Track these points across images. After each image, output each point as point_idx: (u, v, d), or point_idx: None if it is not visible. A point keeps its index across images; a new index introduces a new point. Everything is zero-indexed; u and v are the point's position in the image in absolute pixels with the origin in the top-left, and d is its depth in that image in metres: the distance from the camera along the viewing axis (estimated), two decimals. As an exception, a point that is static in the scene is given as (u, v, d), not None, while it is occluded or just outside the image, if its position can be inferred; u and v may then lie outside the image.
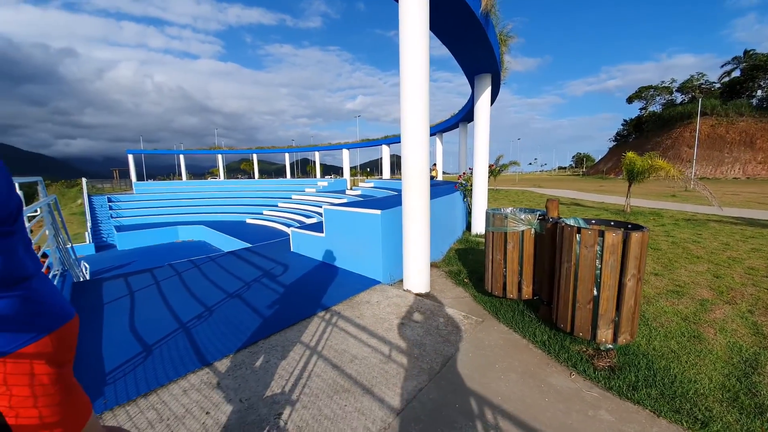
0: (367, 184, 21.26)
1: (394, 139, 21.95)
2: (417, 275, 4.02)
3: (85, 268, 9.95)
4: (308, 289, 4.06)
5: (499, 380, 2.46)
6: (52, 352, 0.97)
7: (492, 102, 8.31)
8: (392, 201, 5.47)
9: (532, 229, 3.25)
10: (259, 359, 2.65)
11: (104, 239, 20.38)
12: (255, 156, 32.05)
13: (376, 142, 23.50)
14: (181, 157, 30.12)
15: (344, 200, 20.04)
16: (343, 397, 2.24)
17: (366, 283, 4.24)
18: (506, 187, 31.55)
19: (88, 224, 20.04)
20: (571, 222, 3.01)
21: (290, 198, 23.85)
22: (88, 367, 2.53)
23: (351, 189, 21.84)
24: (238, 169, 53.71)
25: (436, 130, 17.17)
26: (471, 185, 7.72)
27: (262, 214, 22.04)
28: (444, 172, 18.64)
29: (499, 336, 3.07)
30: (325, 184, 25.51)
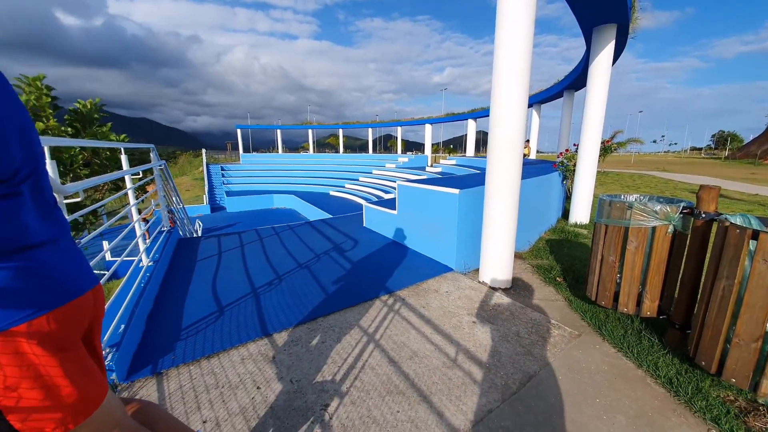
0: (448, 162, 20.27)
1: (482, 113, 20.21)
2: (497, 266, 3.45)
3: (199, 225, 11.74)
4: (374, 269, 3.86)
5: (600, 421, 1.87)
6: (49, 332, 0.85)
7: (613, 62, 6.69)
8: (474, 180, 4.84)
9: (670, 226, 2.37)
10: (316, 338, 2.53)
11: (218, 202, 23.89)
12: (341, 131, 33.36)
13: (462, 117, 22.02)
14: (278, 132, 33.06)
15: (423, 177, 19.54)
16: (397, 401, 1.96)
17: (436, 269, 3.84)
18: (617, 169, 26.73)
19: (206, 188, 23.69)
20: (739, 221, 2.07)
21: (371, 173, 24.33)
22: (171, 321, 2.74)
23: (431, 166, 21.13)
24: (326, 144, 57.12)
25: (533, 100, 15.11)
26: (574, 165, 6.48)
27: (344, 187, 23.01)
28: (538, 151, 16.48)
29: (602, 359, 2.39)
30: (406, 160, 25.22)
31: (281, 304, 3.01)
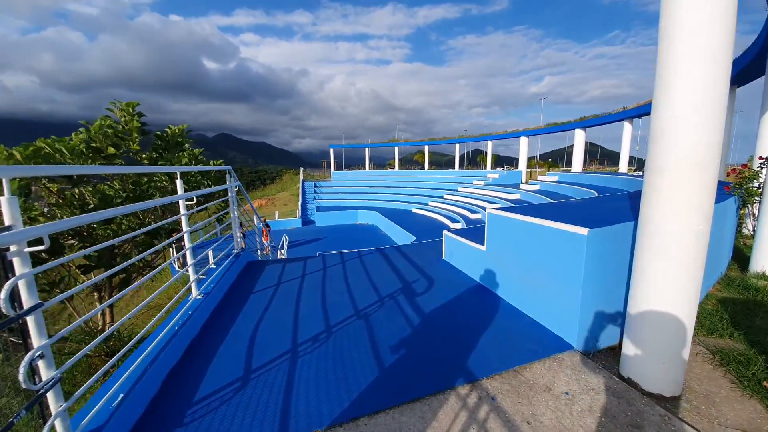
0: (549, 178, 17.63)
1: (593, 122, 17.12)
2: (657, 357, 2.07)
3: (286, 240, 12.30)
4: (451, 330, 2.82)
5: None
6: None
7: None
8: (602, 209, 3.41)
9: None
10: (352, 459, 1.66)
11: (309, 216, 25.56)
12: (426, 148, 32.87)
13: (567, 126, 19.11)
14: (366, 150, 34.32)
15: (517, 196, 17.29)
16: None
17: (546, 343, 2.60)
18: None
19: (300, 203, 25.63)
20: None
21: (456, 190, 22.94)
22: (189, 386, 2.21)
23: (527, 183, 18.73)
24: (413, 161, 57.53)
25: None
26: (762, 187, 4.35)
27: (427, 205, 22.15)
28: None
29: None
30: (496, 176, 23.10)
31: (319, 377, 2.23)
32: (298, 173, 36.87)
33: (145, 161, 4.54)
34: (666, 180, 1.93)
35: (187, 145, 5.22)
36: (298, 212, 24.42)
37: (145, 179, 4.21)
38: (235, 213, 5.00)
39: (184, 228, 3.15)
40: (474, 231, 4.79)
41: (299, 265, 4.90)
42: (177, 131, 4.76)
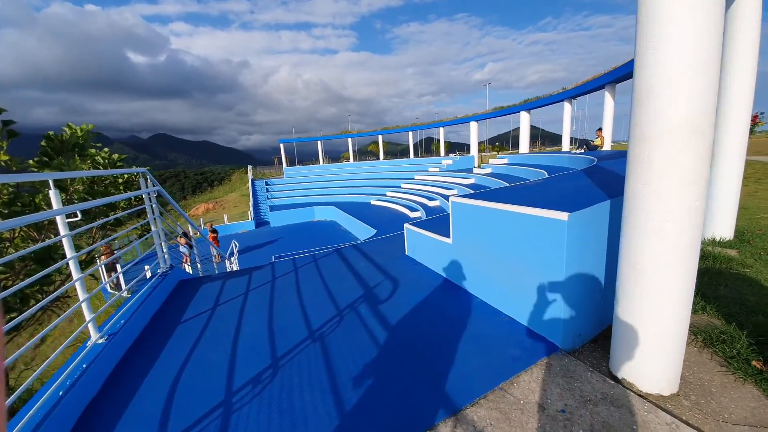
0: (499, 161, 18.09)
1: (538, 103, 17.79)
2: (653, 351, 1.82)
3: (235, 246, 11.22)
4: (422, 346, 2.41)
5: None
6: None
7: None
8: (567, 189, 3.18)
9: None
10: None
11: (262, 217, 24.06)
12: (380, 137, 32.46)
13: (513, 109, 19.71)
14: (318, 143, 33.07)
15: (472, 180, 17.56)
16: None
17: (528, 347, 2.29)
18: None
19: (251, 204, 23.99)
20: None
21: (413, 178, 22.88)
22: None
23: (480, 167, 19.11)
24: (368, 152, 56.85)
25: (606, 80, 12.64)
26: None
27: (385, 195, 21.85)
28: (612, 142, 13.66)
29: None
30: (450, 162, 23.40)
31: (262, 425, 1.70)
32: (247, 172, 34.57)
33: (33, 170, 3.53)
34: (658, 150, 1.63)
35: (93, 150, 4.20)
36: (250, 213, 22.85)
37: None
38: (159, 225, 4.15)
39: (68, 253, 2.37)
40: (437, 222, 4.44)
41: (243, 279, 4.22)
42: (78, 132, 3.76)
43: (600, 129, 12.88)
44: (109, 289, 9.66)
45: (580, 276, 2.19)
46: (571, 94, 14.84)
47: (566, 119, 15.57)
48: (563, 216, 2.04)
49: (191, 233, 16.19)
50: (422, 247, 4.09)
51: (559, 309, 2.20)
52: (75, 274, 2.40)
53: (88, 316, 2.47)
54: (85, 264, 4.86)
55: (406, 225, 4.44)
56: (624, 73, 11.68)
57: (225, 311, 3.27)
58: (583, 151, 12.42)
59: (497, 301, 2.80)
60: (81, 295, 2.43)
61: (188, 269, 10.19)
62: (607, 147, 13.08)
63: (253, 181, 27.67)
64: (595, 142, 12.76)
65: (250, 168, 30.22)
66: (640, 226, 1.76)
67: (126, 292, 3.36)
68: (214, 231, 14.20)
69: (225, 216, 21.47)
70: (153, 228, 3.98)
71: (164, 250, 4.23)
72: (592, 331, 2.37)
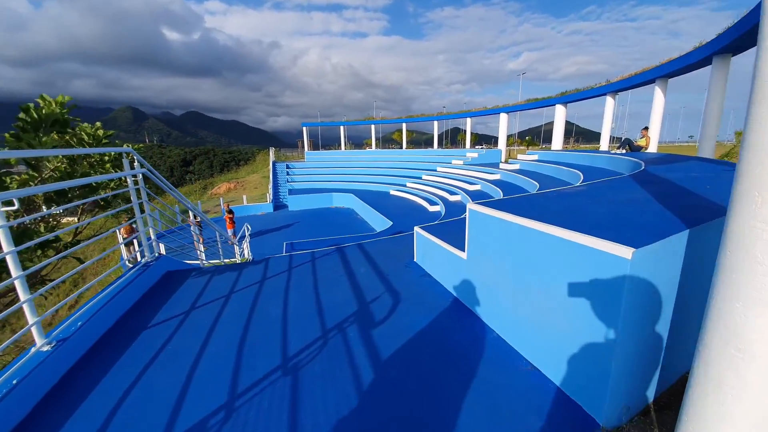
0: (529, 157, 16.96)
1: (576, 96, 16.41)
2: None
3: (247, 229, 11.06)
4: (413, 387, 1.90)
5: None
6: None
7: None
8: (616, 203, 2.52)
9: None
10: None
11: (281, 200, 24.08)
12: (404, 125, 31.57)
13: (547, 102, 18.35)
14: (341, 128, 32.60)
15: (497, 176, 16.57)
16: None
17: (555, 417, 1.73)
18: None
19: (270, 186, 24.01)
20: None
21: (435, 170, 22.05)
22: None
23: (507, 162, 18.05)
24: (391, 140, 55.90)
25: (656, 74, 11.30)
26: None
27: (405, 186, 21.20)
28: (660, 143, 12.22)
29: None
30: (475, 155, 22.31)
31: None
32: (269, 154, 34.74)
33: (7, 146, 3.25)
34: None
35: (79, 128, 3.88)
36: (269, 196, 22.86)
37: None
38: (146, 209, 3.82)
39: (4, 248, 2.01)
40: (452, 228, 3.86)
41: (232, 276, 3.84)
42: (54, 104, 3.43)
43: (646, 128, 11.60)
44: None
45: (638, 330, 1.59)
46: (615, 88, 13.46)
47: (607, 115, 14.22)
48: (625, 252, 1.43)
49: (196, 217, 16.32)
50: (433, 256, 3.54)
51: (604, 370, 1.62)
52: (14, 271, 2.05)
53: (30, 318, 2.12)
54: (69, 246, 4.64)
55: (416, 229, 3.89)
56: (680, 66, 10.31)
57: (198, 318, 2.88)
58: (624, 151, 11.26)
59: (519, 342, 2.24)
60: (22, 295, 2.08)
61: (201, 251, 10.06)
62: (652, 149, 11.81)
63: (274, 163, 27.65)
64: (639, 142, 11.53)
65: (272, 150, 30.22)
66: (752, 287, 1.14)
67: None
68: (230, 212, 14.16)
69: (244, 197, 21.59)
70: (138, 213, 3.64)
71: (152, 238, 3.91)
72: (644, 400, 1.78)
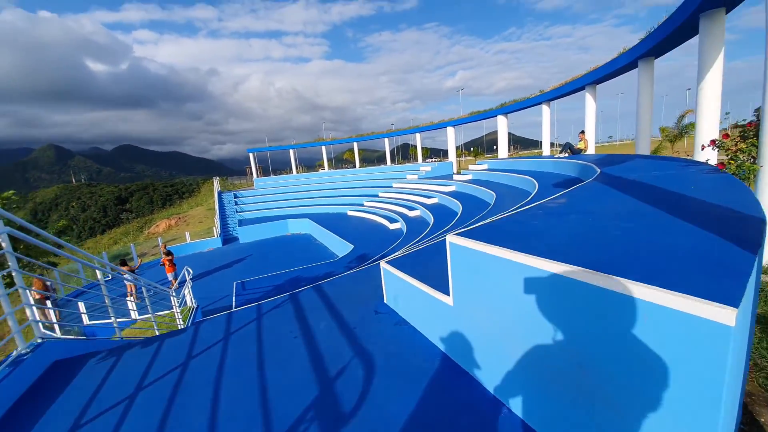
0: (479, 167, 17.36)
1: (515, 107, 17.29)
2: None
3: (188, 273, 9.64)
4: None
5: None
6: None
7: None
8: (657, 227, 2.11)
9: None
10: None
11: (230, 232, 22.19)
12: (356, 144, 31.37)
13: (490, 114, 19.16)
14: (291, 151, 31.53)
15: (453, 188, 16.66)
16: None
17: None
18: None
19: (217, 219, 22.07)
20: None
21: (391, 187, 21.85)
22: None
23: (459, 173, 18.35)
24: (345, 160, 55.56)
25: (586, 81, 12.14)
26: (759, 160, 3.58)
27: (362, 205, 20.66)
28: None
29: None
30: (428, 168, 22.56)
31: None
32: (222, 182, 32.34)
33: None
34: None
35: None
36: (216, 230, 20.92)
37: None
38: (18, 279, 2.76)
39: None
40: (423, 256, 3.29)
41: (145, 354, 2.88)
42: None
43: (582, 132, 12.32)
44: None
45: (729, 418, 1.08)
46: (550, 97, 14.37)
47: (545, 122, 15.07)
48: (726, 316, 0.92)
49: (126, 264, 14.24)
50: (408, 298, 2.92)
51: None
52: None
53: None
54: None
55: (383, 265, 3.25)
56: (607, 72, 11.18)
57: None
58: (567, 155, 11.81)
59: (540, 422, 1.65)
60: None
61: (132, 305, 8.52)
62: (590, 150, 12.56)
63: (220, 193, 25.66)
64: (579, 145, 12.19)
65: (216, 179, 28.09)
66: None
67: None
68: (168, 253, 12.37)
69: (187, 234, 19.47)
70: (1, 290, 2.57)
71: (36, 316, 2.82)
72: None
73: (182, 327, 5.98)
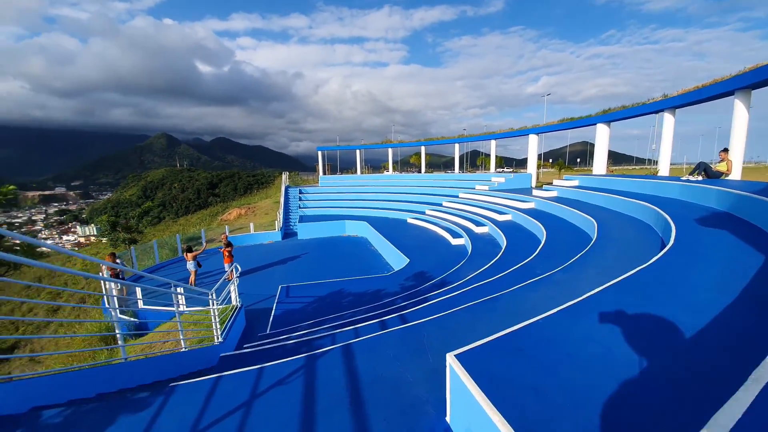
0: (567, 183, 14.68)
1: (621, 114, 14.22)
2: None
3: (236, 270, 9.35)
4: None
5: None
6: None
7: None
8: None
9: None
10: None
11: (291, 227, 22.60)
12: (423, 149, 30.03)
13: (587, 121, 16.20)
14: (357, 152, 31.46)
15: (532, 204, 14.24)
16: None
17: None
18: None
19: (281, 212, 22.63)
20: None
21: (457, 197, 20.03)
22: None
23: (540, 188, 15.81)
24: (409, 163, 54.50)
25: (740, 84, 9.06)
26: None
27: (424, 213, 19.24)
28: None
29: None
30: (502, 180, 20.20)
31: None
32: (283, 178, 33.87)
33: None
34: None
35: None
36: (278, 223, 21.40)
37: None
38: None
39: None
40: (530, 343, 1.84)
41: (153, 403, 1.93)
42: None
43: (725, 150, 9.24)
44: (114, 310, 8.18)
45: None
46: (677, 103, 11.22)
47: (666, 135, 11.89)
48: None
49: (201, 246, 14.79)
50: (483, 425, 1.52)
51: None
52: None
53: None
54: None
55: (450, 360, 1.88)
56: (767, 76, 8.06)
57: None
58: (701, 178, 8.93)
59: None
60: None
61: (179, 298, 8.47)
62: (735, 175, 9.38)
63: (287, 188, 26.47)
64: (718, 167, 9.16)
65: (285, 174, 29.18)
66: None
67: None
68: (228, 244, 12.43)
69: (251, 224, 20.21)
70: None
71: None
72: None
73: (217, 340, 5.34)
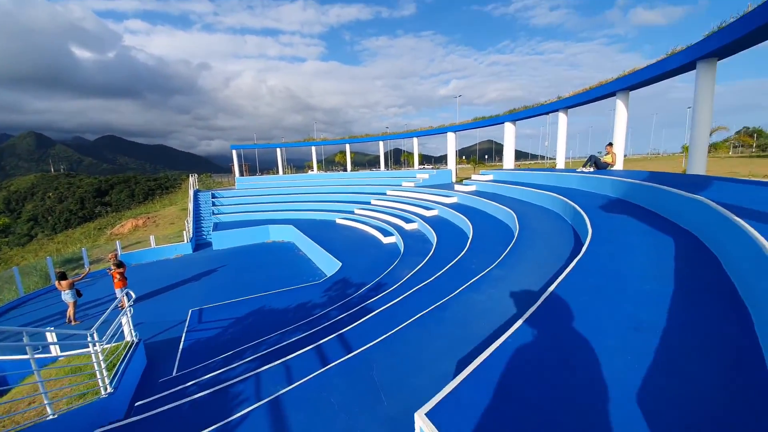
0: (482, 177, 15.73)
1: (524, 114, 15.80)
2: None
3: (129, 298, 7.56)
4: None
5: None
6: None
7: None
8: None
9: None
10: None
11: (204, 236, 19.92)
12: (348, 147, 29.53)
13: (496, 120, 17.62)
14: (278, 150, 29.45)
15: (455, 199, 14.94)
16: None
17: None
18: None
19: (190, 221, 19.76)
20: None
21: (385, 194, 20.06)
22: None
23: (460, 183, 16.70)
24: (335, 162, 53.44)
25: (619, 86, 10.64)
26: None
27: (353, 213, 18.77)
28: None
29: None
30: (426, 176, 20.87)
31: None
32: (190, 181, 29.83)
33: None
34: None
35: None
36: (185, 234, 18.58)
37: None
38: None
39: None
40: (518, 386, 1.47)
41: None
42: None
43: (610, 144, 10.82)
44: None
45: None
46: (569, 104, 12.88)
47: (561, 132, 13.59)
48: None
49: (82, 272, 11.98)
50: None
51: None
52: None
53: None
54: None
55: (421, 423, 1.41)
56: (642, 78, 9.70)
57: None
58: (592, 169, 10.28)
59: None
60: None
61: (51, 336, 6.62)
62: (618, 165, 11.07)
63: (196, 192, 23.29)
64: (605, 159, 10.67)
65: (193, 176, 25.67)
66: None
67: None
68: (119, 265, 10.06)
69: (152, 237, 17.13)
70: None
71: None
72: None
73: (105, 392, 4.17)
